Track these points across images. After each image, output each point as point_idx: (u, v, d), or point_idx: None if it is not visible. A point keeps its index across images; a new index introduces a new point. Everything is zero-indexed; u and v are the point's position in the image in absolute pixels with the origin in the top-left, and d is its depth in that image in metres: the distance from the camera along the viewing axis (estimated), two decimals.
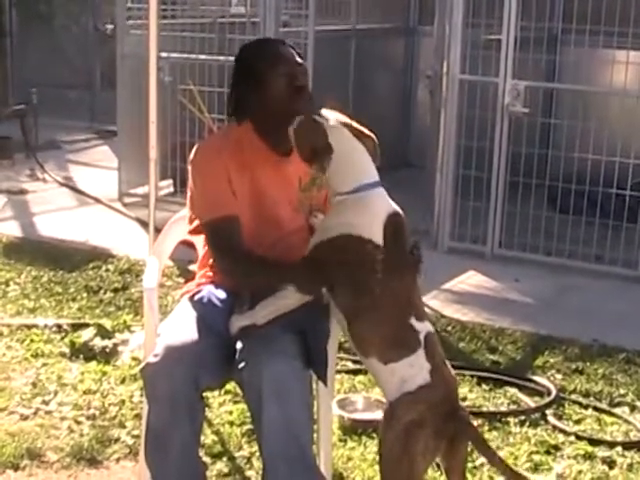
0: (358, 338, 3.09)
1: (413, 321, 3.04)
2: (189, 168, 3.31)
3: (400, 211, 3.13)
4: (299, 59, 3.32)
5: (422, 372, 3.00)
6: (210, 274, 3.39)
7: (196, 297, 3.30)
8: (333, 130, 3.10)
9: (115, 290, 5.81)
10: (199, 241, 3.53)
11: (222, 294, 3.29)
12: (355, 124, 3.17)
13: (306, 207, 3.39)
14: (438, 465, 3.38)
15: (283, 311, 3.10)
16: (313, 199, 3.38)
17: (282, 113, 3.21)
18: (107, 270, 6.16)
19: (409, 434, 2.95)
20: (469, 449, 3.14)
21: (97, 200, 8.04)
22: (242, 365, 3.03)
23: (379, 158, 3.16)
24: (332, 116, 3.15)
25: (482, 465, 3.75)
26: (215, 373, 3.11)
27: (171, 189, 8.00)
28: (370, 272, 2.99)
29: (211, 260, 3.36)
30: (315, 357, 3.13)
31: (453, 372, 3.13)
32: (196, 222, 3.34)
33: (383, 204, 3.11)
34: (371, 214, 3.07)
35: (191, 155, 3.32)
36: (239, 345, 3.08)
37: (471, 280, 6.38)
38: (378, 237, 3.03)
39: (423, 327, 3.06)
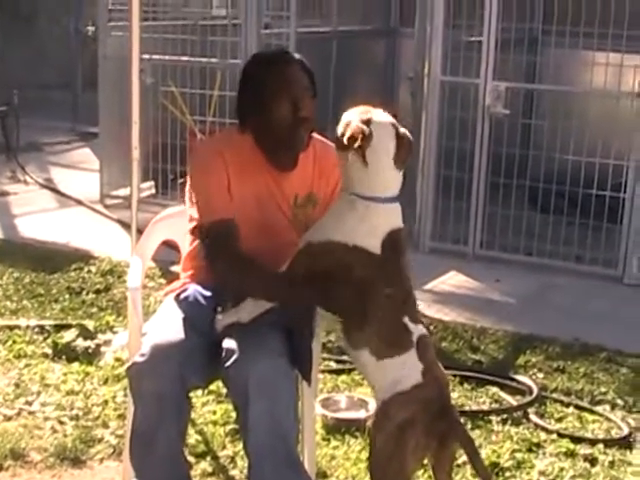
0: (350, 335, 3.08)
1: (407, 321, 3.04)
2: (189, 166, 3.28)
3: (402, 226, 3.09)
4: (307, 78, 3.24)
5: (414, 372, 3.00)
6: (196, 273, 3.38)
7: (182, 296, 3.30)
8: (379, 125, 3.00)
9: (97, 291, 5.81)
10: (183, 242, 3.53)
11: (208, 293, 3.29)
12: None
13: (301, 224, 3.33)
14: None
15: (267, 308, 3.10)
16: (308, 216, 3.35)
17: (281, 140, 3.21)
18: (89, 271, 6.15)
19: (401, 433, 2.96)
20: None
21: (79, 202, 8.02)
22: (228, 363, 3.03)
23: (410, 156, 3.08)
24: (383, 116, 3.05)
25: (465, 463, 3.76)
26: (202, 372, 3.12)
27: (152, 191, 8.00)
28: (361, 290, 3.00)
29: (201, 260, 3.32)
30: (300, 356, 3.14)
31: (444, 372, 3.14)
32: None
33: (390, 219, 3.06)
34: (373, 226, 3.02)
35: (192, 153, 3.30)
36: (225, 343, 3.09)
37: (452, 280, 6.40)
38: (376, 249, 3.01)
39: (416, 329, 3.05)
